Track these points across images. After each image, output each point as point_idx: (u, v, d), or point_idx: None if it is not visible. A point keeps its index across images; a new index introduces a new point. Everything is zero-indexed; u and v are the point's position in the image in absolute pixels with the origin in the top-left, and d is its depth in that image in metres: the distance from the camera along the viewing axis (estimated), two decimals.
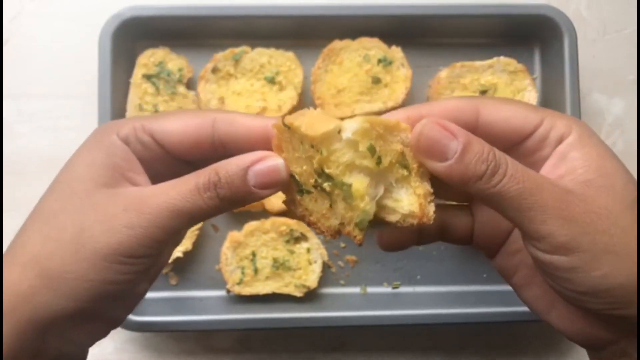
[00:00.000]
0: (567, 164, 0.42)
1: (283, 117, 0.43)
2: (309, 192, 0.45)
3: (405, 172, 0.43)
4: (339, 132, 0.41)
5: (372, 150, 0.42)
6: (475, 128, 0.44)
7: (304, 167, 0.44)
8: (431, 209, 0.44)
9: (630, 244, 0.40)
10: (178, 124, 0.45)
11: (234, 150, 0.45)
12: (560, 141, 0.43)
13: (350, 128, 0.41)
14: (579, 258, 0.39)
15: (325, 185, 0.43)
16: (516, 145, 0.45)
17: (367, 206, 0.43)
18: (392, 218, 0.46)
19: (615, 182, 0.41)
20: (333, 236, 0.46)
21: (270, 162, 0.42)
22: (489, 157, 0.40)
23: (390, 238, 0.51)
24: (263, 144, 0.45)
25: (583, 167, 0.42)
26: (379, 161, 0.42)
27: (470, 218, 0.51)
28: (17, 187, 0.89)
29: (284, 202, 0.47)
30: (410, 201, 0.44)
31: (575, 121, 0.44)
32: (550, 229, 0.39)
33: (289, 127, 0.43)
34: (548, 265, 0.41)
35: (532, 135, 0.44)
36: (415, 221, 0.44)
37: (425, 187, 0.44)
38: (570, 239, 0.39)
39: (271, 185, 0.43)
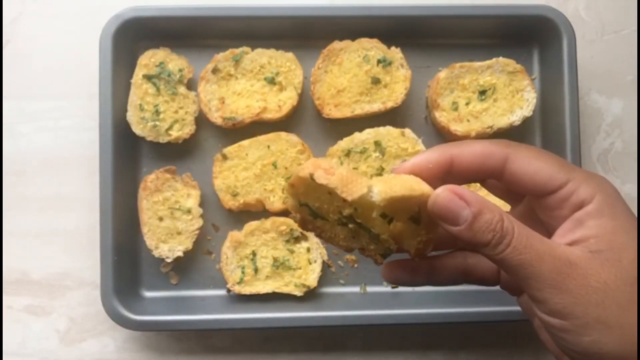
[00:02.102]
0: (581, 231, 0.45)
1: (311, 175, 0.45)
2: (324, 219, 0.49)
3: (415, 225, 0.48)
4: (369, 191, 0.45)
5: (390, 215, 0.47)
6: (501, 174, 0.48)
7: (325, 206, 0.48)
8: (427, 252, 0.50)
9: (624, 317, 0.42)
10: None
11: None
12: (580, 207, 0.46)
13: (378, 193, 0.45)
14: (572, 323, 0.43)
15: (351, 226, 0.48)
16: (538, 198, 0.48)
17: (391, 246, 0.49)
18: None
19: (623, 257, 0.43)
20: (347, 251, 0.52)
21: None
22: (496, 227, 0.43)
23: (393, 274, 0.54)
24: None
25: (595, 238, 0.44)
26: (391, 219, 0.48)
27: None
28: (17, 187, 0.89)
29: (294, 219, 0.51)
30: (411, 245, 0.50)
31: (601, 188, 0.46)
32: (545, 296, 0.43)
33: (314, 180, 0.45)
34: (545, 323, 0.45)
35: (554, 193, 0.46)
36: (411, 256, 0.51)
37: (428, 236, 0.49)
38: (563, 307, 0.43)
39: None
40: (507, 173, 0.47)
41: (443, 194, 0.44)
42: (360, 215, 0.46)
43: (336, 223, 0.49)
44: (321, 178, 0.44)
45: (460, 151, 0.48)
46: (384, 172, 0.86)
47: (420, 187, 0.45)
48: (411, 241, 0.48)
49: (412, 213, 0.46)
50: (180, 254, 0.85)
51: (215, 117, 0.86)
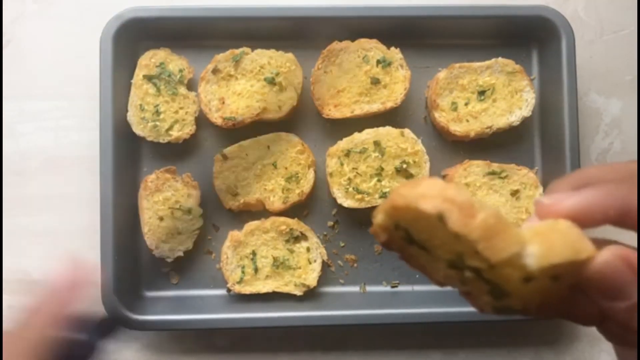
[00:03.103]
0: None
1: (441, 215, 0.33)
2: (426, 250, 0.39)
3: (552, 283, 0.36)
4: (522, 251, 0.33)
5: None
6: None
7: (436, 242, 0.37)
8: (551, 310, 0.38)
9: None
10: None
11: None
12: None
13: (535, 258, 0.33)
14: None
15: (469, 275, 0.36)
16: None
17: (516, 306, 0.36)
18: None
19: None
20: (439, 286, 0.41)
21: None
22: None
23: None
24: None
25: None
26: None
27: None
28: (17, 186, 0.89)
29: (376, 235, 0.40)
30: (534, 300, 0.37)
31: None
32: None
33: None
34: None
35: None
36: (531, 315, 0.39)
37: (560, 295, 0.37)
38: None
39: None
40: None
41: (613, 262, 0.33)
42: (493, 271, 0.34)
43: (443, 262, 0.38)
44: (457, 225, 0.32)
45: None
46: (383, 173, 0.85)
47: (584, 246, 0.33)
48: (536, 297, 0.36)
49: (559, 272, 0.34)
50: (180, 253, 0.86)
51: (215, 117, 0.86)
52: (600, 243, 0.35)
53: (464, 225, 0.32)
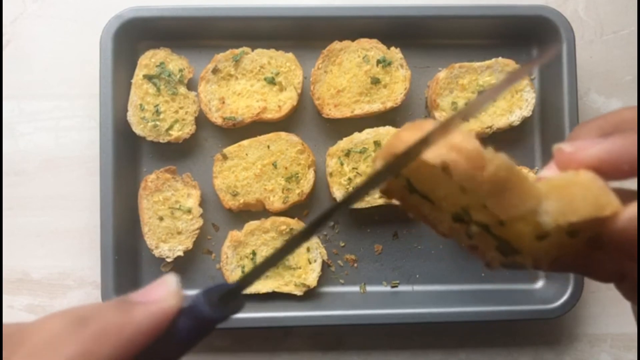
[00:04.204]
0: None
1: (445, 166, 0.30)
2: (429, 200, 0.35)
3: (569, 239, 0.32)
4: (538, 208, 0.30)
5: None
6: None
7: (440, 193, 0.34)
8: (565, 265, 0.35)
9: None
10: None
11: None
12: None
13: (552, 215, 0.29)
14: None
15: (475, 228, 0.33)
16: None
17: (528, 263, 0.33)
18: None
19: None
20: (444, 238, 0.38)
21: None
22: None
23: None
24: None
25: None
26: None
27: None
28: (17, 187, 0.89)
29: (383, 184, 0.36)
30: (549, 256, 0.34)
31: None
32: None
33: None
34: None
35: None
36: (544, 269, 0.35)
37: (578, 250, 0.34)
38: None
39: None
40: None
41: (637, 219, 0.29)
42: (503, 227, 0.31)
43: (448, 214, 0.34)
44: (464, 177, 0.29)
45: None
46: None
47: (609, 201, 0.30)
48: (552, 252, 0.33)
49: (577, 228, 0.31)
50: (180, 253, 0.86)
51: (215, 117, 0.86)
52: (625, 195, 0.31)
53: (472, 178, 0.28)
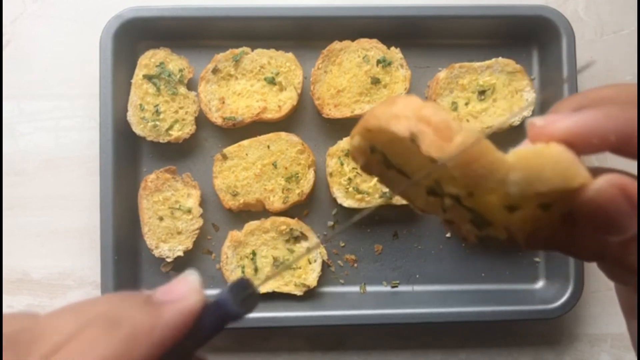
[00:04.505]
0: None
1: (414, 137, 0.30)
2: (403, 174, 0.36)
3: (542, 212, 0.32)
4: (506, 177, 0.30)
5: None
6: None
7: (414, 167, 0.34)
8: (541, 241, 0.35)
9: None
10: None
11: None
12: None
13: (519, 185, 0.29)
14: None
15: (449, 202, 0.34)
16: None
17: (501, 236, 0.34)
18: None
19: None
20: (422, 213, 0.38)
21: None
22: None
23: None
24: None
25: None
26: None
27: None
28: (17, 187, 0.89)
29: (354, 158, 0.37)
30: (524, 231, 0.34)
31: None
32: None
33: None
34: None
35: None
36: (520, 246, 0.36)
37: (552, 224, 0.34)
38: None
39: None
40: None
41: (608, 191, 0.29)
42: (473, 199, 0.31)
43: (423, 188, 0.35)
44: (431, 148, 0.29)
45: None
46: None
47: (577, 173, 0.30)
48: (526, 227, 0.33)
49: (548, 200, 0.31)
50: (180, 253, 0.86)
51: (215, 117, 0.86)
52: (601, 173, 0.31)
53: (439, 149, 0.29)
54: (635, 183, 0.29)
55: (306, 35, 0.88)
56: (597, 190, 0.29)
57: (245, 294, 0.34)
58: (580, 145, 0.31)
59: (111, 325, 0.30)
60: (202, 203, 0.87)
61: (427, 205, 0.36)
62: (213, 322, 0.34)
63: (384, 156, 0.35)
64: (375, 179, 0.85)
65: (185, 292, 0.33)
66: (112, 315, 0.31)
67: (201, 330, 0.33)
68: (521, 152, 0.30)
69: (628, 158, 0.32)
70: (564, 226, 0.34)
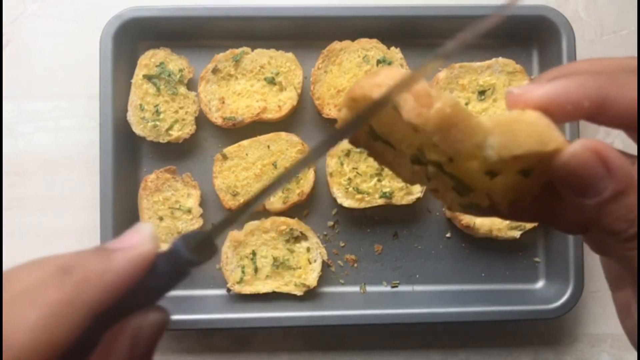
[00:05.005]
0: None
1: (396, 105, 0.31)
2: (390, 145, 0.37)
3: (522, 179, 0.34)
4: (483, 143, 0.31)
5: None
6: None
7: (398, 136, 0.35)
8: (522, 207, 0.36)
9: None
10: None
11: None
12: None
13: (496, 149, 0.30)
14: None
15: (432, 169, 0.35)
16: None
17: (483, 203, 0.35)
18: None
19: None
20: (409, 184, 0.39)
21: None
22: (635, 217, 0.31)
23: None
24: None
25: None
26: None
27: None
28: (17, 186, 0.89)
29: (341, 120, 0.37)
30: (505, 198, 0.35)
31: None
32: None
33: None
34: None
35: None
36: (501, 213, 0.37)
37: (532, 191, 0.35)
38: None
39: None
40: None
41: (582, 155, 0.31)
42: (453, 165, 0.32)
43: (408, 158, 0.36)
44: (411, 115, 0.30)
45: (619, 95, 0.32)
46: (383, 173, 0.85)
47: (552, 137, 0.31)
48: (507, 194, 0.34)
49: (527, 166, 0.32)
50: None
51: (215, 117, 0.86)
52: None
53: (419, 115, 0.30)
54: (608, 147, 0.31)
55: (306, 35, 0.88)
56: (571, 153, 0.31)
57: (200, 242, 0.35)
58: (555, 111, 0.32)
59: (64, 271, 0.32)
60: (202, 203, 0.87)
61: (413, 175, 0.37)
62: (168, 270, 0.35)
63: (370, 127, 0.36)
64: (374, 180, 0.85)
65: (138, 240, 0.35)
66: (66, 264, 0.32)
67: (157, 279, 0.35)
68: (498, 118, 0.32)
69: (602, 125, 0.34)
70: (546, 197, 0.35)
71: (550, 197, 0.35)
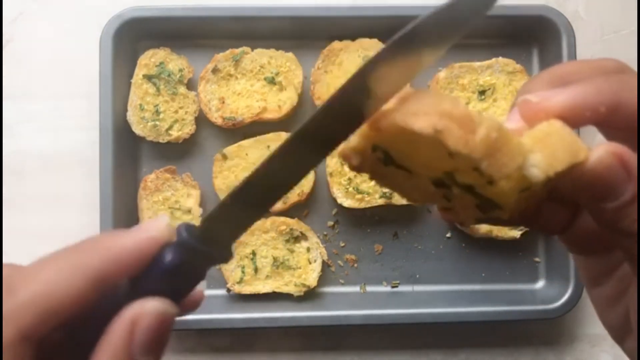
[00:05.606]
0: None
1: (438, 132, 0.29)
2: (402, 168, 0.35)
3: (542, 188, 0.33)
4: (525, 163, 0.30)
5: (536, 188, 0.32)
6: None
7: (421, 160, 0.33)
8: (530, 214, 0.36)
9: None
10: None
11: None
12: None
13: (540, 168, 0.30)
14: None
15: (457, 190, 0.34)
16: None
17: (505, 216, 0.34)
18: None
19: None
20: (415, 204, 0.38)
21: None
22: None
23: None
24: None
25: None
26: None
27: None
28: (17, 186, 0.89)
29: (346, 158, 0.36)
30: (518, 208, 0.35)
31: None
32: None
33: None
34: None
35: None
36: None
37: (542, 198, 0.35)
38: None
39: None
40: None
41: (605, 159, 0.31)
42: (489, 187, 0.31)
43: (427, 179, 0.35)
44: (456, 141, 0.29)
45: (631, 96, 0.32)
46: None
47: (581, 147, 0.31)
48: (522, 204, 0.34)
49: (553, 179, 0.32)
50: None
51: (215, 117, 0.86)
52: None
53: (465, 143, 0.29)
54: (629, 151, 0.31)
55: (306, 35, 0.88)
56: (597, 159, 0.31)
57: (204, 231, 0.36)
58: (574, 119, 0.32)
59: (76, 246, 0.34)
60: (202, 203, 0.87)
61: (427, 196, 0.36)
62: (175, 260, 0.35)
63: (384, 153, 0.35)
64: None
65: (151, 226, 0.37)
66: (79, 243, 0.34)
67: (162, 268, 0.35)
68: (534, 134, 0.31)
69: (612, 129, 0.34)
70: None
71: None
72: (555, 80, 0.35)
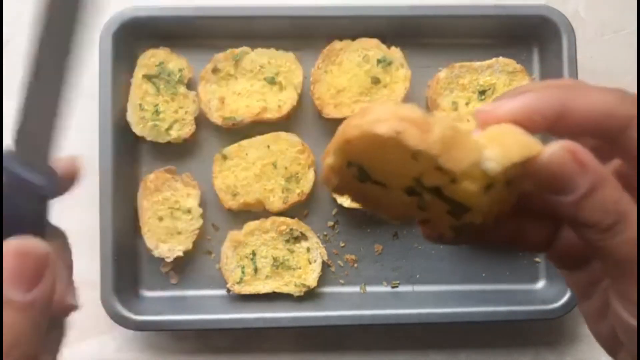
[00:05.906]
0: None
1: (398, 133, 0.32)
2: (380, 184, 0.37)
3: (507, 189, 0.36)
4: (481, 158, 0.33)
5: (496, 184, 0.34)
6: (616, 141, 0.36)
7: (390, 168, 0.35)
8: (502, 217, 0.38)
9: None
10: None
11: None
12: None
13: (495, 161, 0.32)
14: None
15: (428, 197, 0.35)
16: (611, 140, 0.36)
17: (478, 220, 0.35)
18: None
19: None
20: (394, 220, 0.42)
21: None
22: (610, 207, 0.33)
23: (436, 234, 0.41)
24: None
25: None
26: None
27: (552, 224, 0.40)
28: None
29: (327, 181, 0.38)
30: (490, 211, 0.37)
31: None
32: None
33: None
34: (625, 325, 0.36)
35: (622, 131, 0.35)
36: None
37: (511, 199, 0.37)
38: None
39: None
40: (626, 141, 0.35)
41: (558, 154, 0.34)
42: (455, 186, 0.33)
43: (400, 190, 0.36)
44: (414, 140, 0.31)
45: (576, 102, 0.35)
46: None
47: (533, 142, 0.34)
48: (494, 208, 0.35)
49: (512, 174, 0.34)
50: (180, 253, 0.85)
51: (215, 117, 0.86)
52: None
53: (423, 141, 0.31)
54: (582, 147, 0.34)
55: (306, 35, 0.88)
56: (551, 153, 0.34)
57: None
58: (524, 123, 0.35)
59: None
60: (202, 203, 0.87)
61: (404, 208, 0.38)
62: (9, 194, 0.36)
63: (359, 169, 0.36)
64: None
65: None
66: None
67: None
68: (487, 133, 0.34)
69: (563, 136, 0.36)
70: (514, 220, 0.38)
71: (520, 220, 0.39)
72: (512, 94, 0.38)
